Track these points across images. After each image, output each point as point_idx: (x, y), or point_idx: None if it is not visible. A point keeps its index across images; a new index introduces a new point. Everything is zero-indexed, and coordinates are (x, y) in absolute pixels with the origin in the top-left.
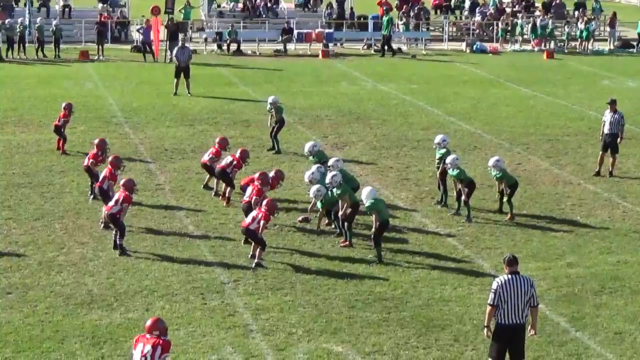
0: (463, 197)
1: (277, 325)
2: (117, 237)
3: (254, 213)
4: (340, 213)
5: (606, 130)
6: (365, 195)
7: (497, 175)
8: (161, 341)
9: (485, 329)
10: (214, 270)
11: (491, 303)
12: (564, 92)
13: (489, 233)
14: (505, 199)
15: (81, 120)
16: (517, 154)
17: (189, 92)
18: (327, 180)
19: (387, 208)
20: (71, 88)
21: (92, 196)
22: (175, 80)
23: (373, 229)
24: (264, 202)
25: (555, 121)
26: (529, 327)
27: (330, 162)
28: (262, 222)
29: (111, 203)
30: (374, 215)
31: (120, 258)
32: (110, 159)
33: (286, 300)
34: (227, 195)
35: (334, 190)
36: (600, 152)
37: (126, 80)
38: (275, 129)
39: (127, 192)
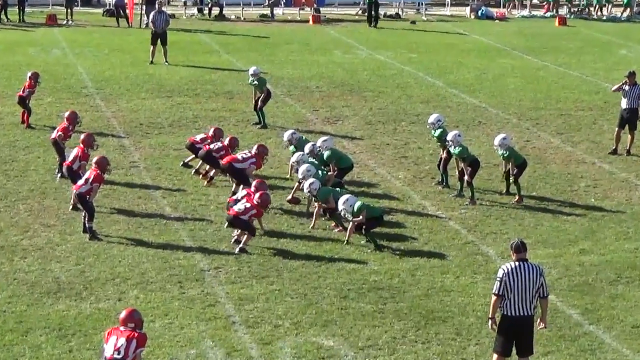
0: (466, 177)
1: (262, 317)
2: (87, 219)
3: (244, 202)
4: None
5: (624, 105)
6: (347, 202)
7: (504, 155)
8: (136, 334)
9: (490, 321)
10: (193, 256)
11: (496, 292)
12: (577, 62)
13: (495, 216)
14: (511, 179)
15: (48, 91)
16: (526, 130)
17: (166, 61)
18: (318, 143)
19: (383, 189)
20: (37, 55)
21: (59, 175)
22: (152, 47)
23: (360, 225)
24: (257, 195)
25: (568, 94)
26: (538, 320)
27: (318, 143)
28: (252, 218)
29: (80, 181)
30: (362, 215)
31: (90, 242)
32: (82, 136)
33: (272, 289)
34: (210, 174)
35: (325, 154)
36: (617, 129)
37: (98, 47)
38: (260, 102)
39: (99, 171)
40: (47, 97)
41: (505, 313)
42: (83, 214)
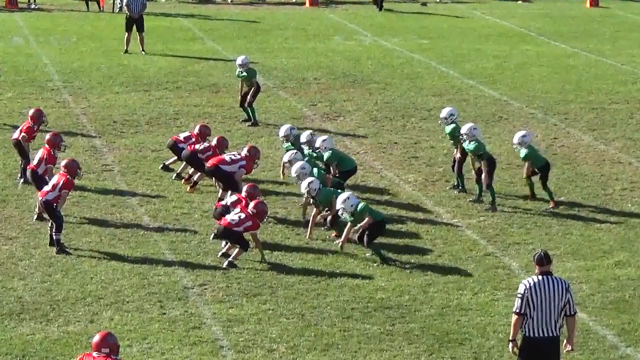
0: (484, 179)
1: (253, 341)
2: (54, 230)
3: (238, 211)
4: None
5: None
6: (348, 202)
7: (525, 155)
8: None
9: (511, 343)
10: (175, 271)
11: (518, 311)
12: (611, 49)
13: (518, 225)
14: (539, 184)
15: (8, 84)
16: (553, 126)
17: (143, 50)
18: (317, 144)
19: (391, 194)
20: None
21: (22, 180)
22: (126, 34)
23: (361, 233)
24: (252, 204)
25: (601, 85)
26: (565, 342)
27: (317, 144)
28: (247, 228)
29: (47, 187)
30: (365, 219)
31: (58, 257)
32: (48, 136)
33: (265, 309)
34: (194, 179)
35: (325, 155)
36: None
37: (65, 34)
38: (248, 97)
39: (68, 176)
40: (7, 92)
41: (527, 334)
42: (50, 225)
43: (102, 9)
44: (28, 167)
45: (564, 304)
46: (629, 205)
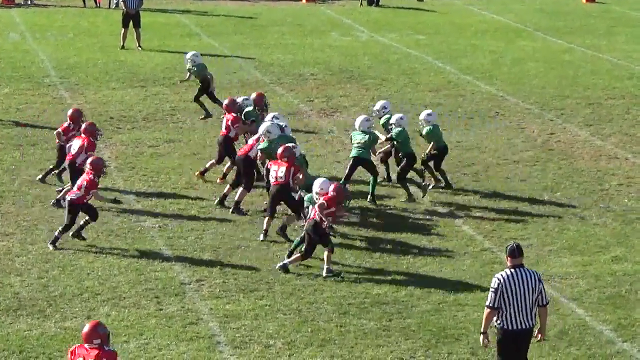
0: (398, 170)
1: (250, 336)
2: (62, 228)
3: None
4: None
5: None
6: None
7: (427, 132)
8: (105, 353)
9: (482, 336)
10: (172, 267)
11: (491, 305)
12: (607, 44)
13: (515, 220)
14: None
15: (5, 80)
16: (549, 121)
17: (139, 46)
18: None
19: (387, 189)
20: None
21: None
22: (123, 30)
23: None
24: (332, 188)
25: (597, 80)
26: (536, 332)
27: (392, 120)
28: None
29: (74, 187)
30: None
31: (55, 253)
32: (84, 126)
33: (262, 304)
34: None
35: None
36: None
37: (61, 30)
38: (198, 91)
39: (92, 176)
40: (4, 88)
41: (506, 327)
42: (82, 222)
43: (98, 4)
44: (67, 157)
45: (537, 295)
46: (626, 200)
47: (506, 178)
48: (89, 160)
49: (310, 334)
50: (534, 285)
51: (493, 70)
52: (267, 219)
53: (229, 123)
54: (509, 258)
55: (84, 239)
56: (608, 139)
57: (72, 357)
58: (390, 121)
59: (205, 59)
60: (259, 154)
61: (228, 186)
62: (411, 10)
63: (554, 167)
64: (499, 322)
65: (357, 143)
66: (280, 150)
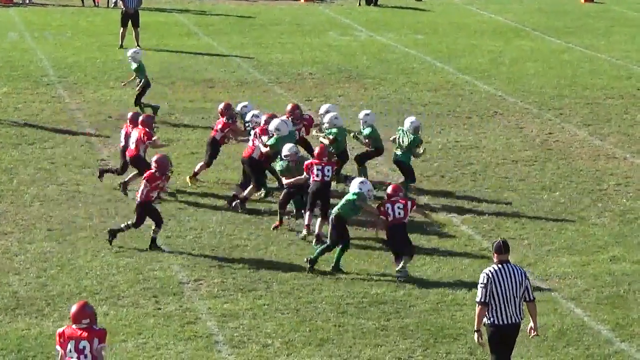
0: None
1: (248, 336)
2: (154, 230)
3: None
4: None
5: None
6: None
7: (368, 133)
8: (96, 332)
9: (476, 334)
10: (170, 267)
11: (483, 300)
12: (606, 44)
13: (513, 220)
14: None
15: (3, 80)
16: (548, 121)
17: (138, 45)
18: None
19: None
20: None
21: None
22: (122, 29)
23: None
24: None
25: (596, 80)
26: (529, 328)
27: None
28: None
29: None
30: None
31: (53, 252)
32: (141, 118)
33: (260, 304)
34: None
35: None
36: None
37: (60, 29)
38: (138, 89)
39: (154, 171)
40: (3, 87)
41: (495, 322)
42: (127, 223)
43: (97, 4)
44: (128, 154)
45: (523, 291)
46: (624, 200)
47: (505, 178)
48: (154, 158)
49: (309, 334)
50: (520, 280)
51: (492, 69)
52: (307, 214)
53: (218, 127)
54: (495, 254)
55: (112, 239)
56: (606, 139)
57: (61, 339)
58: (324, 119)
59: (204, 58)
60: (263, 150)
61: (238, 188)
62: (409, 10)
63: (552, 167)
64: (489, 318)
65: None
66: (318, 151)
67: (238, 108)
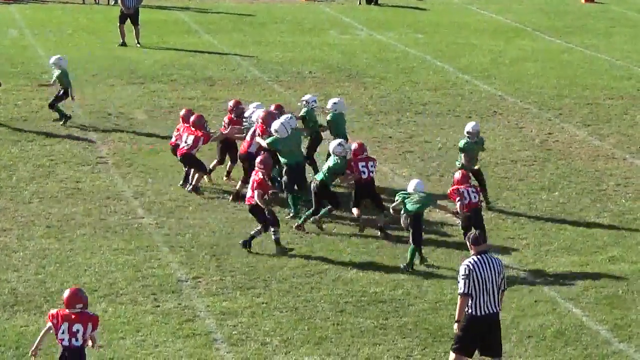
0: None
1: (247, 334)
2: (272, 231)
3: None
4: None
5: None
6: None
7: (330, 118)
8: (90, 317)
9: (457, 324)
10: (169, 264)
11: (465, 292)
12: (606, 44)
13: (512, 220)
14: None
15: (3, 76)
16: (548, 121)
17: (138, 42)
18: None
19: (385, 188)
20: None
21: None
22: (120, 25)
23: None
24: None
25: (596, 80)
26: None
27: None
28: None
29: (248, 192)
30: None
31: (52, 249)
32: (193, 118)
33: (259, 302)
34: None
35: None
36: None
37: (60, 26)
38: (54, 97)
39: (261, 175)
40: (2, 84)
41: (473, 313)
42: (257, 229)
43: (97, 1)
44: (180, 151)
45: (501, 280)
46: (623, 200)
47: (504, 177)
48: (259, 158)
49: (307, 332)
50: (499, 270)
51: (492, 69)
52: (356, 211)
53: (225, 123)
54: (472, 246)
55: (248, 246)
56: (606, 139)
57: (54, 319)
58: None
59: (204, 56)
60: (263, 144)
61: (240, 182)
62: (410, 9)
63: (551, 167)
64: (467, 308)
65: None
66: (356, 147)
67: (252, 106)
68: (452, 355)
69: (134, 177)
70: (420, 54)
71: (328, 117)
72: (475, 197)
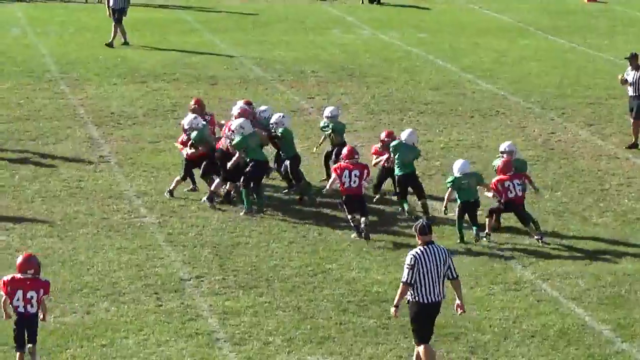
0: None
1: (249, 333)
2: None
3: None
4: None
5: (630, 93)
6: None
7: (332, 128)
8: (41, 283)
9: (394, 309)
10: (172, 263)
11: (408, 281)
12: (609, 44)
13: (515, 219)
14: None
15: (5, 75)
16: (550, 120)
17: (110, 42)
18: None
19: (387, 187)
20: None
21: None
22: (117, 26)
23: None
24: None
25: (599, 80)
26: (455, 306)
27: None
28: None
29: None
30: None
31: (54, 248)
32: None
33: (261, 301)
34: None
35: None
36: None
37: (62, 25)
38: None
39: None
40: (5, 83)
41: (422, 301)
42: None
43: (100, 0)
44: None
45: (447, 269)
46: (626, 200)
47: None
48: (346, 148)
49: (310, 331)
50: (444, 259)
51: (494, 69)
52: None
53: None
54: (420, 236)
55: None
56: (609, 139)
57: (8, 287)
58: (272, 120)
59: (206, 56)
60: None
61: (227, 184)
62: (413, 8)
63: (554, 167)
64: (414, 297)
65: None
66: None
67: (261, 109)
68: (419, 348)
69: (137, 176)
70: (423, 53)
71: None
72: (519, 190)
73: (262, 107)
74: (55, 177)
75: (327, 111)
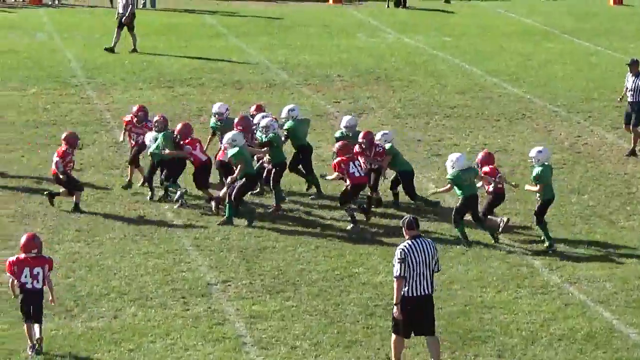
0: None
1: (276, 337)
2: None
3: None
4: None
5: (629, 99)
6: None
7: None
8: (46, 260)
9: (396, 307)
10: (199, 268)
11: (400, 275)
12: (635, 47)
13: (531, 220)
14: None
15: (32, 80)
16: (577, 124)
17: (111, 47)
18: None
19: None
20: (19, 40)
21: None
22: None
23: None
24: None
25: (624, 83)
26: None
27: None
28: None
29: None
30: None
31: (82, 253)
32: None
33: (288, 305)
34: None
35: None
36: (624, 126)
37: (89, 30)
38: None
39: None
40: (31, 88)
41: (408, 294)
42: None
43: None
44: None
45: (435, 263)
46: None
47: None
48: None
49: (337, 335)
50: (432, 253)
51: (520, 72)
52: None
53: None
54: (407, 230)
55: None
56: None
57: (14, 267)
58: (261, 124)
59: (232, 60)
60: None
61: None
62: (438, 12)
63: (581, 170)
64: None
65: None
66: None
67: (255, 120)
68: (392, 336)
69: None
70: (448, 57)
71: (286, 126)
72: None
73: (260, 118)
74: (82, 182)
75: (345, 121)
